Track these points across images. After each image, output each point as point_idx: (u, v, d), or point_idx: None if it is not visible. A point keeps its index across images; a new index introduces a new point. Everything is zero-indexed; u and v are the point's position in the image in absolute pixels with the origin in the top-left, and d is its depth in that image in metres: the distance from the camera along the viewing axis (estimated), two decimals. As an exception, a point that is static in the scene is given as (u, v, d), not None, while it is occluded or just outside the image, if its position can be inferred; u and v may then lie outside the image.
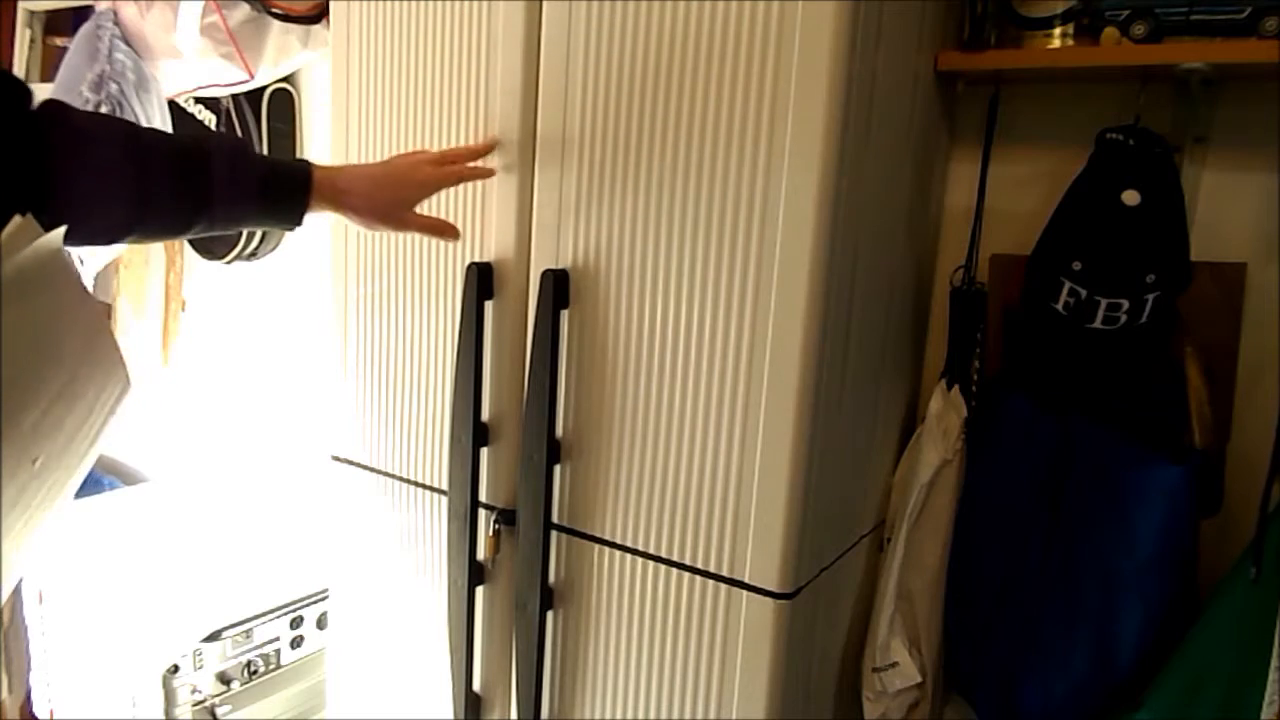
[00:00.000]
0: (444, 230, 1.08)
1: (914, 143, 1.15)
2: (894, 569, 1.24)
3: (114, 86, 1.67)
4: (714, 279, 0.99)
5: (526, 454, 1.12)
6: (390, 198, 1.02)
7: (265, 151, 1.88)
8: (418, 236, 1.21)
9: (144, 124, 1.69)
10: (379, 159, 1.23)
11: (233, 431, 2.15)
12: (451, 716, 1.26)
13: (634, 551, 1.09)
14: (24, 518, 0.65)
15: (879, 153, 1.04)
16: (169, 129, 1.75)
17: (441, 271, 1.20)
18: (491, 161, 1.12)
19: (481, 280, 1.14)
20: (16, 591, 1.56)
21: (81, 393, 0.67)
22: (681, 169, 1.00)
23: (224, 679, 1.67)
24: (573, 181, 1.07)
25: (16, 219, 0.57)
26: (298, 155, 1.96)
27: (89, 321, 0.68)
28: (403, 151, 1.18)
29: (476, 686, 1.26)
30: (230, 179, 0.91)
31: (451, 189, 1.16)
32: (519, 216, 1.12)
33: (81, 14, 1.82)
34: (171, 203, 0.88)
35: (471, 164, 1.10)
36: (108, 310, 2.21)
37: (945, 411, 1.24)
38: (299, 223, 0.99)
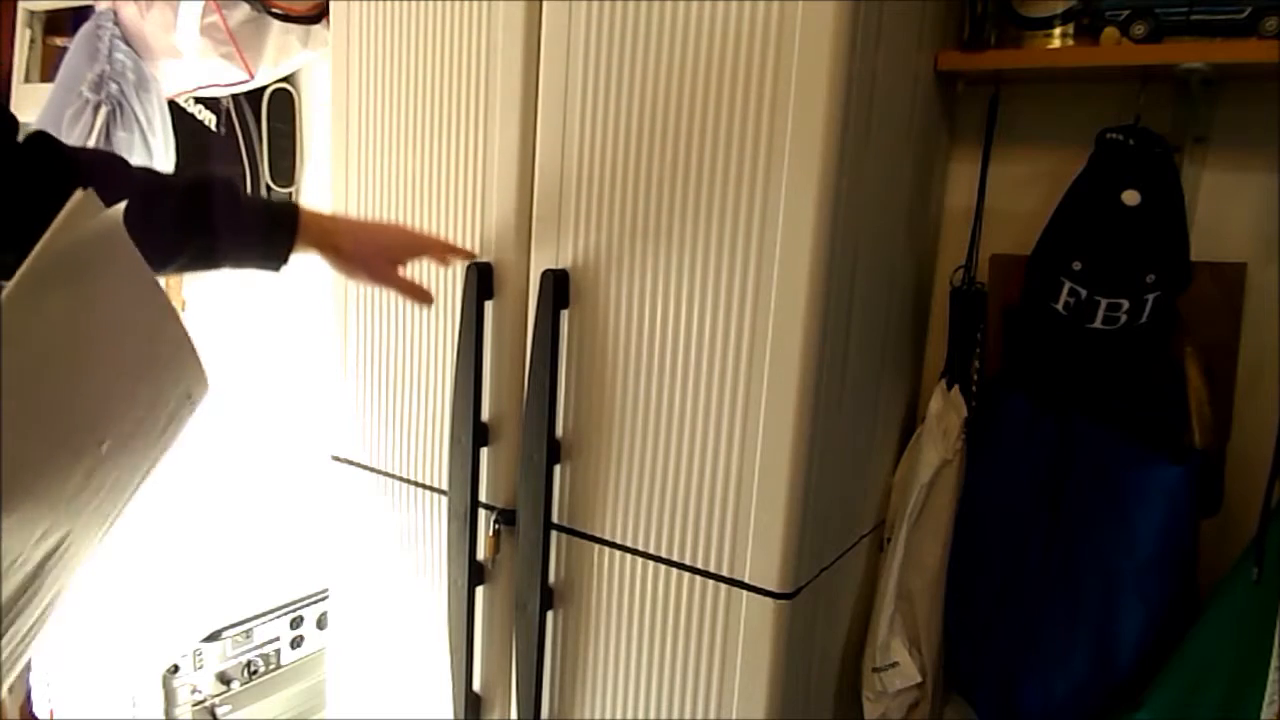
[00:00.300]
0: (420, 295, 1.08)
1: (914, 143, 1.15)
2: (894, 569, 1.24)
3: (114, 86, 1.67)
4: (714, 279, 0.99)
5: (526, 454, 1.12)
6: (375, 247, 1.03)
7: (266, 152, 1.89)
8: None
9: (144, 124, 1.69)
10: (378, 159, 1.24)
11: (233, 431, 2.15)
12: (451, 716, 1.26)
13: (634, 551, 1.09)
14: (93, 505, 0.65)
15: (879, 153, 1.03)
16: (169, 129, 1.75)
17: (441, 271, 1.20)
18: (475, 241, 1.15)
19: (481, 280, 1.14)
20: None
21: (145, 375, 0.65)
22: (681, 169, 1.00)
23: (224, 679, 1.67)
24: (573, 181, 1.07)
25: (77, 194, 0.56)
26: (298, 155, 1.96)
27: (151, 299, 0.66)
28: (400, 158, 1.19)
29: (476, 686, 1.26)
30: (222, 214, 0.90)
31: (451, 189, 1.16)
32: (519, 216, 1.12)
33: (81, 14, 1.82)
34: (164, 236, 0.87)
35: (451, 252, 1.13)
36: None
37: (945, 411, 1.24)
38: (284, 261, 0.98)
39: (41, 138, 0.79)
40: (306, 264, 1.00)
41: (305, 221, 0.97)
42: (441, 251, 1.12)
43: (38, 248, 0.53)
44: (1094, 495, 1.12)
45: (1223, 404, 1.12)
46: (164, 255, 0.88)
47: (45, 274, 0.54)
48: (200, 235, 0.90)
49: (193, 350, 0.70)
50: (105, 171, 0.84)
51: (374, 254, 1.03)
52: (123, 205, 0.59)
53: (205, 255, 0.91)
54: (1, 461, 0.52)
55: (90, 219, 0.57)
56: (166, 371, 0.68)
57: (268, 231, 0.95)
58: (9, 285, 0.52)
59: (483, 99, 1.13)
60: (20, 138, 0.79)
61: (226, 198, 0.91)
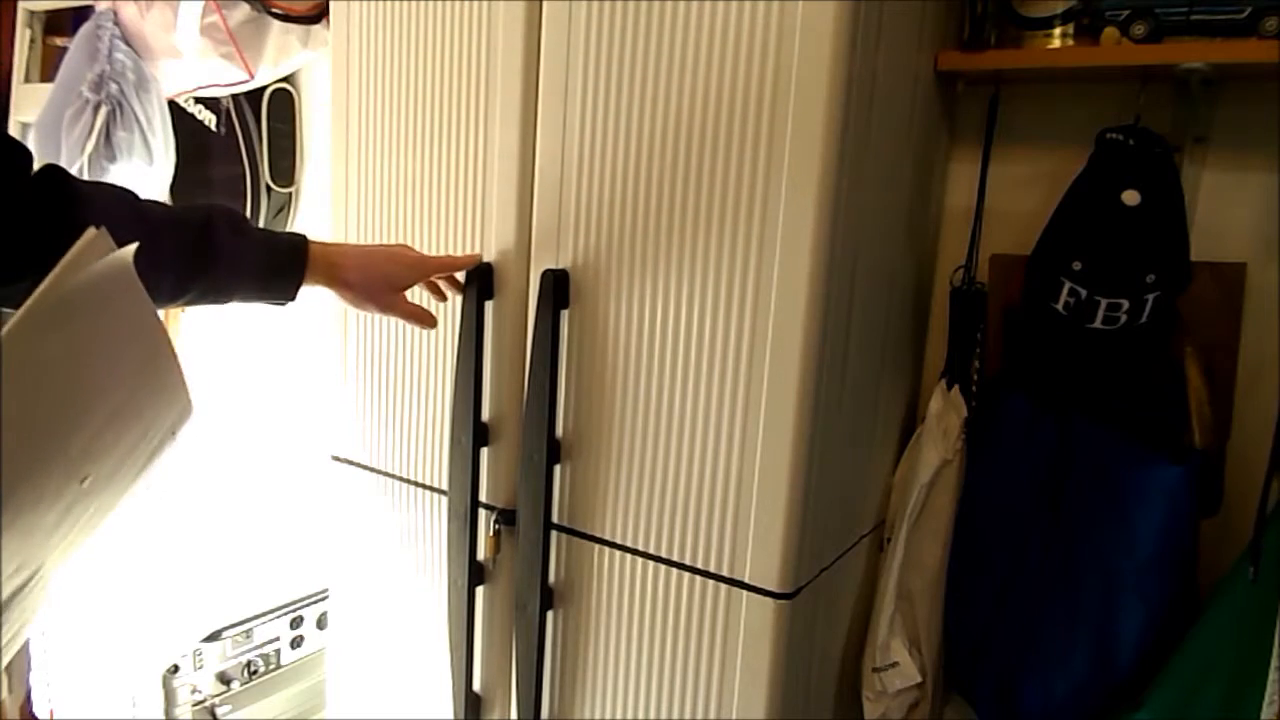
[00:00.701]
0: (424, 319, 1.09)
1: (914, 143, 1.15)
2: (894, 569, 1.24)
3: (114, 86, 1.67)
4: (714, 279, 0.99)
5: (526, 454, 1.12)
6: (382, 276, 1.03)
7: (266, 152, 1.89)
8: (416, 230, 1.21)
9: (144, 124, 1.70)
10: (378, 160, 1.24)
11: (233, 432, 2.15)
12: (451, 716, 1.26)
13: (634, 551, 1.09)
14: (67, 538, 0.65)
15: (879, 153, 1.04)
16: (169, 129, 1.75)
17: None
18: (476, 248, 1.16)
19: (481, 280, 1.14)
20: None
21: (137, 414, 0.66)
22: (681, 169, 1.00)
23: (224, 679, 1.67)
24: (573, 181, 1.07)
25: (89, 232, 0.55)
26: (298, 155, 1.96)
27: (152, 341, 0.66)
28: (400, 159, 1.19)
29: (476, 686, 1.26)
30: (232, 250, 0.90)
31: (451, 189, 1.17)
32: (519, 216, 1.12)
33: (81, 14, 1.81)
34: (174, 271, 0.87)
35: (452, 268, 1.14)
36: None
37: (945, 411, 1.24)
38: (292, 297, 0.98)
39: (53, 171, 0.79)
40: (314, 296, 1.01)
41: (313, 257, 0.98)
42: (445, 271, 1.13)
43: (43, 286, 0.52)
44: (1094, 495, 1.12)
45: (1223, 404, 1.12)
46: (172, 292, 0.89)
47: (49, 312, 0.53)
48: (209, 273, 0.90)
49: (185, 388, 0.69)
50: (114, 207, 0.84)
51: (380, 284, 1.03)
52: (133, 247, 0.59)
53: (214, 292, 0.92)
54: None
55: (99, 258, 0.56)
56: (157, 411, 0.68)
57: (276, 270, 0.96)
58: (10, 322, 0.51)
59: (483, 100, 1.13)
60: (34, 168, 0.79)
61: (236, 236, 0.92)
